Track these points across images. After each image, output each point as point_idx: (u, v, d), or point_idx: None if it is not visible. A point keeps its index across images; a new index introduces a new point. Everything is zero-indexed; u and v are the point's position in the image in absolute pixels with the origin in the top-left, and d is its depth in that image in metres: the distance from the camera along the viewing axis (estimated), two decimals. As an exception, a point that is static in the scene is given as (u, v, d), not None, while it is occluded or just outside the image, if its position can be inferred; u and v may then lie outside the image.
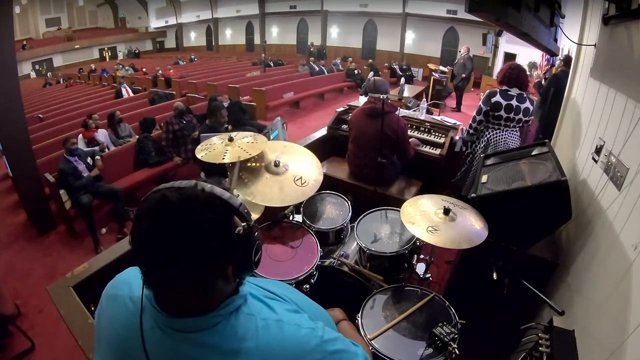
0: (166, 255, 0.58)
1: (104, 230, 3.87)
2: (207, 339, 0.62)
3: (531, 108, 2.54)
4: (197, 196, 0.60)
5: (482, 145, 2.62)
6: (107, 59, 20.21)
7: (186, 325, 0.62)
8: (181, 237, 0.57)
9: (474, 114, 2.62)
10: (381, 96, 2.35)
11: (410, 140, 2.95)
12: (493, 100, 2.48)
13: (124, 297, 0.70)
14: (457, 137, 2.99)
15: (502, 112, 2.49)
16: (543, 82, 4.70)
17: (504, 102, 2.47)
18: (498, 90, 2.51)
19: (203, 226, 0.58)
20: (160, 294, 0.63)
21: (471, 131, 2.65)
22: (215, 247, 0.60)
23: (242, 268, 0.66)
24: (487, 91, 2.57)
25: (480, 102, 2.57)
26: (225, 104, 5.80)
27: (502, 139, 2.57)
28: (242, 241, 0.63)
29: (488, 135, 2.60)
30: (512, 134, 2.59)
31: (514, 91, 2.49)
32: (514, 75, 2.49)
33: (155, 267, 0.60)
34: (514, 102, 2.47)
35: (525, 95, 2.51)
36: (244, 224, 0.64)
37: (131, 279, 0.73)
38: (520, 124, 2.57)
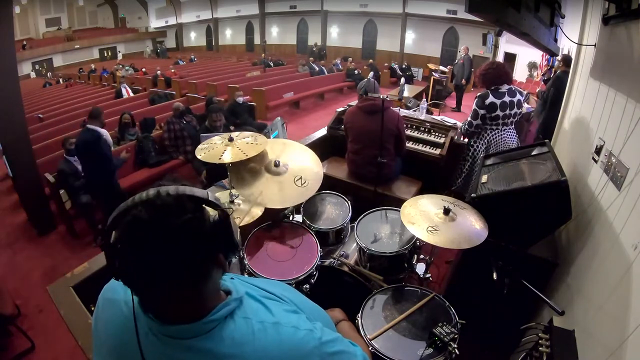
0: (156, 272, 0.57)
1: (104, 230, 3.87)
2: (202, 345, 0.61)
3: (522, 99, 2.56)
4: (168, 203, 0.58)
5: (482, 149, 2.61)
6: (108, 59, 20.21)
7: (179, 331, 0.61)
8: (169, 248, 0.56)
9: (470, 118, 2.62)
10: (381, 96, 2.36)
11: None
12: (487, 102, 2.50)
13: (119, 301, 0.70)
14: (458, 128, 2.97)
15: (499, 112, 2.50)
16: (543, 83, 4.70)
17: (498, 101, 2.48)
18: (489, 91, 2.52)
19: (184, 230, 0.57)
20: (150, 303, 0.63)
21: (470, 130, 2.66)
22: (202, 243, 0.60)
23: (229, 250, 0.67)
24: (479, 94, 2.56)
25: (475, 106, 2.57)
26: (240, 100, 5.89)
27: (501, 138, 2.58)
28: (221, 226, 0.64)
29: (488, 137, 2.60)
30: (510, 132, 2.60)
31: (504, 87, 2.50)
32: (498, 73, 2.51)
33: (148, 285, 0.59)
34: (506, 99, 2.49)
35: (514, 89, 2.52)
36: (217, 210, 0.64)
37: None
38: (516, 118, 2.58)
